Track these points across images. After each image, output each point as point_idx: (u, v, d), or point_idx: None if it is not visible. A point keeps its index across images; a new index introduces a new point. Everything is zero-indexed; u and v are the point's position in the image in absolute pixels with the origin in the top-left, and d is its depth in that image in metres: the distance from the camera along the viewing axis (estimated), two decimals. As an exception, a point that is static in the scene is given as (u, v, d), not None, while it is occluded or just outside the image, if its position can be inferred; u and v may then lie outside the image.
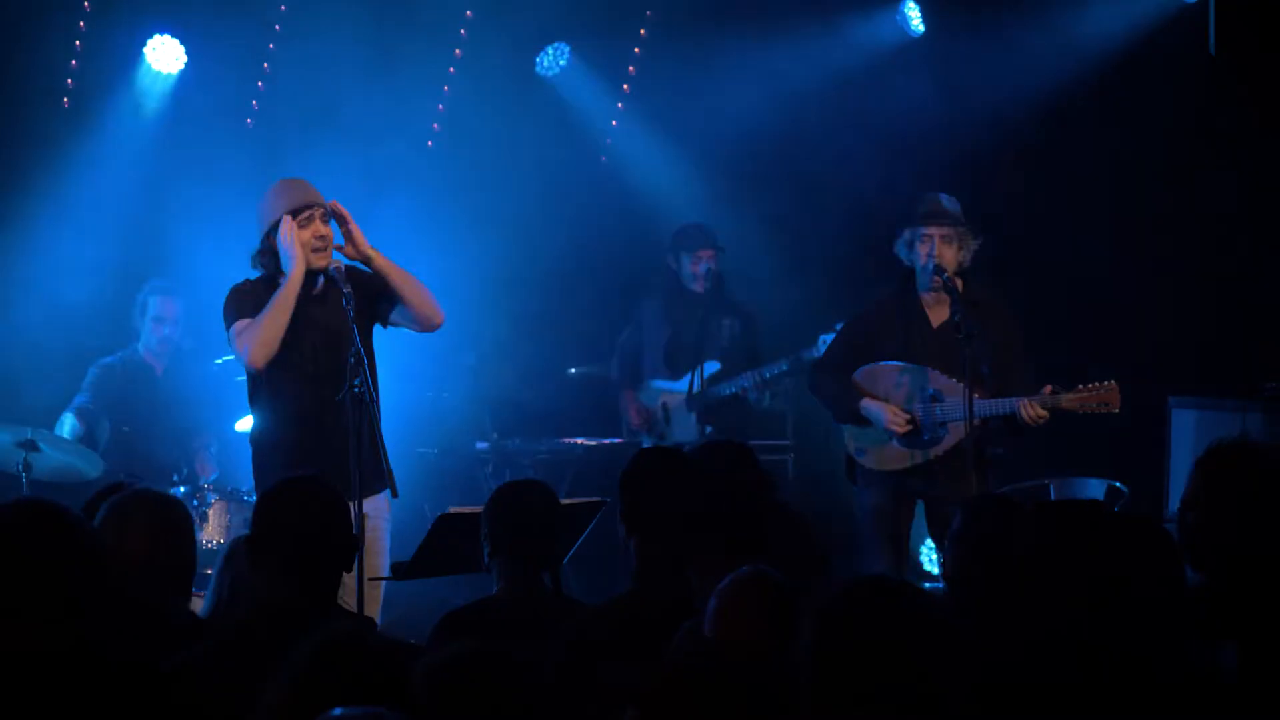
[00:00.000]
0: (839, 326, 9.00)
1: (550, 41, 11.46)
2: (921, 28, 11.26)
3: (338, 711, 2.88)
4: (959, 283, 8.05)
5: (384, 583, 7.09)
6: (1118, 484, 9.63)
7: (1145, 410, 9.94)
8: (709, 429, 9.55)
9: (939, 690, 3.34)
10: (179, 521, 4.89)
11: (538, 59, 11.48)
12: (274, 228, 7.08)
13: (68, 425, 9.21)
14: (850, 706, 3.33)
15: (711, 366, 9.63)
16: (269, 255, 7.13)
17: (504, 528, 5.45)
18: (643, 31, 11.53)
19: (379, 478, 6.97)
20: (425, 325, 7.24)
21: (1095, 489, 9.47)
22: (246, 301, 7.12)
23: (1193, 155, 10.54)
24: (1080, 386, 7.87)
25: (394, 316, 7.21)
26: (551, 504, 5.54)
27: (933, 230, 8.03)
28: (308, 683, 3.26)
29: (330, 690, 3.18)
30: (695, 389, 9.34)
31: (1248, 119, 10.49)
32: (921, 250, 8.04)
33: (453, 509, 6.59)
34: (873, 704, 3.31)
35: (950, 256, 8.03)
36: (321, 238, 7.04)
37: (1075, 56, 10.80)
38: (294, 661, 3.31)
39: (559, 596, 5.47)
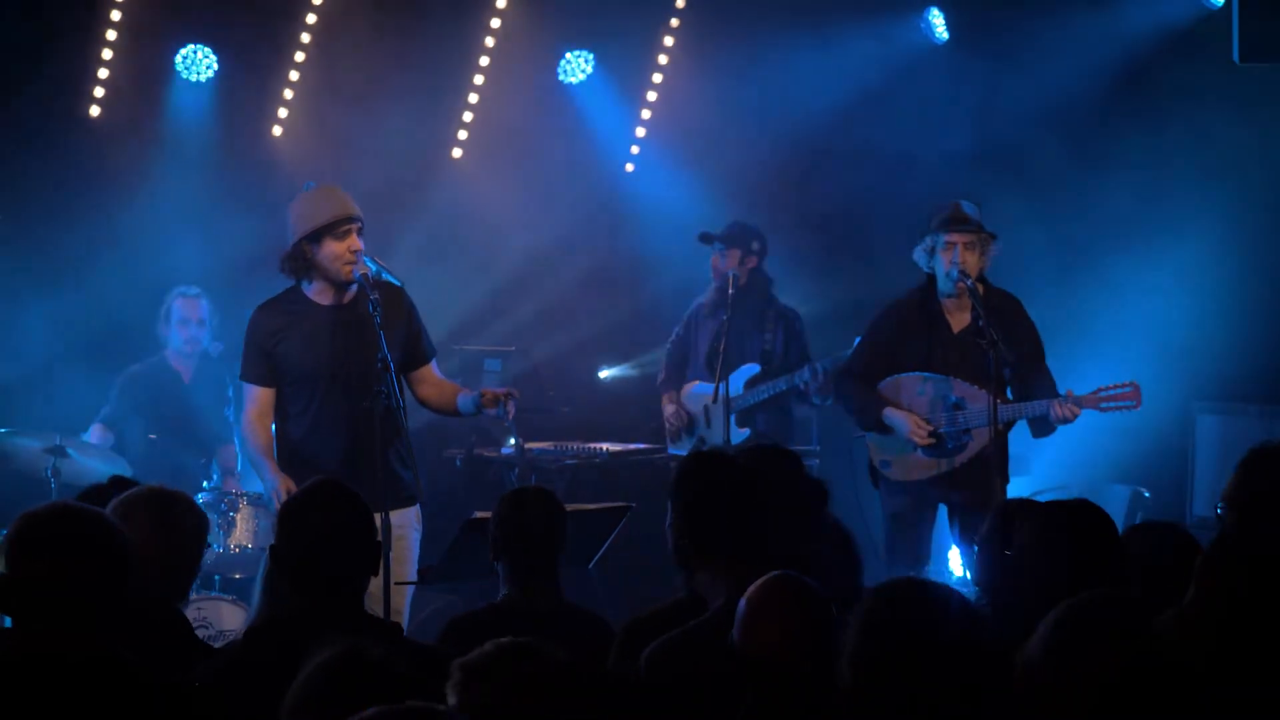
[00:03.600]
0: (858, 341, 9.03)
1: (575, 49, 11.48)
2: (946, 35, 11.27)
3: (372, 711, 2.86)
4: (981, 288, 8.07)
5: (410, 588, 7.13)
6: (1141, 489, 9.66)
7: (1169, 416, 9.96)
8: (747, 432, 9.55)
9: (975, 690, 3.36)
10: (180, 520, 4.89)
11: (560, 66, 11.50)
12: (309, 236, 7.10)
13: (96, 436, 9.26)
14: (889, 709, 3.35)
15: (751, 369, 9.63)
16: (297, 261, 7.17)
17: (506, 535, 5.49)
18: (669, 40, 11.54)
19: (409, 489, 7.01)
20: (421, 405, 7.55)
21: (1119, 494, 9.50)
22: (252, 356, 7.22)
23: (1217, 161, 10.53)
24: (1101, 387, 7.91)
25: (412, 378, 7.37)
26: (554, 512, 5.56)
27: (956, 237, 8.05)
28: (312, 696, 3.25)
29: (335, 703, 3.18)
30: (720, 394, 9.34)
31: (1271, 125, 10.49)
32: (945, 257, 8.06)
33: (479, 514, 6.59)
34: (911, 706, 3.34)
35: (973, 262, 8.06)
36: (355, 251, 7.08)
37: (1099, 63, 10.81)
38: (300, 676, 3.30)
39: (563, 603, 5.49)
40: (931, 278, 8.20)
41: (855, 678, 3.45)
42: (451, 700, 3.27)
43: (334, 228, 7.07)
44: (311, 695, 3.24)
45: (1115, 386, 7.92)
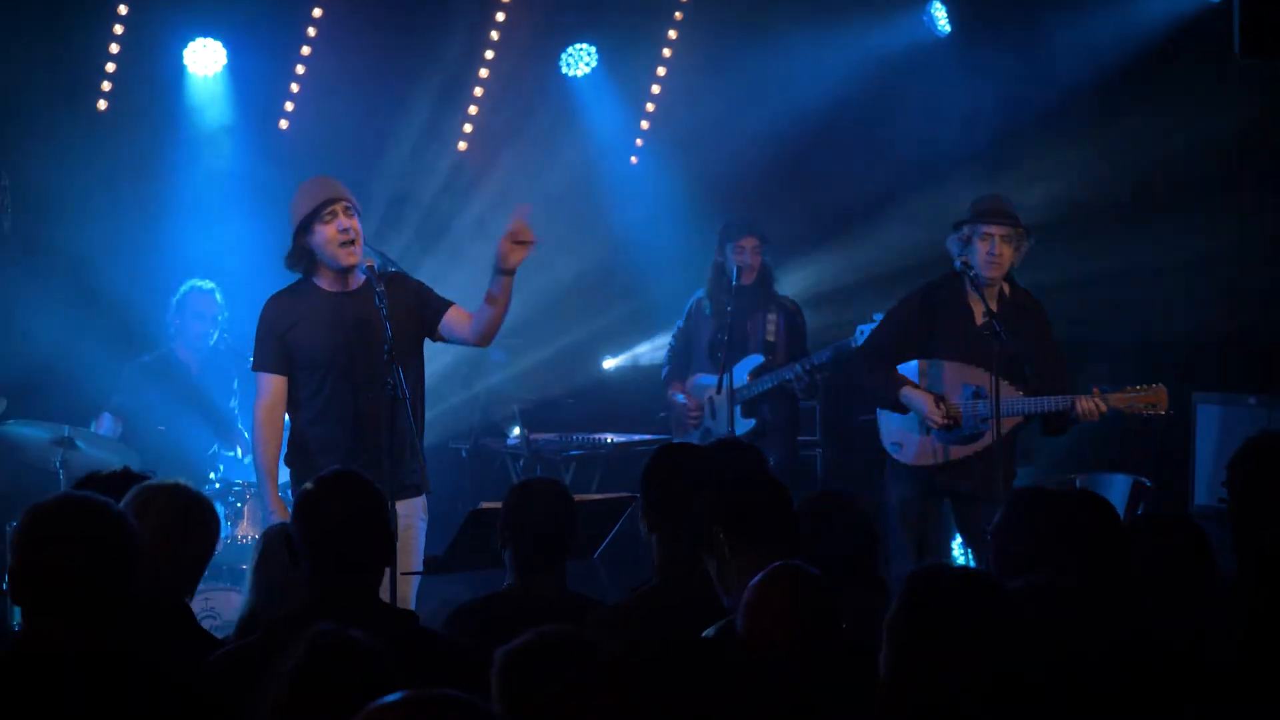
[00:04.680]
0: (877, 317, 9.03)
1: (578, 42, 11.50)
2: (948, 27, 11.28)
3: (395, 697, 2.83)
4: (1005, 287, 8.12)
5: (416, 579, 7.15)
6: (1143, 479, 9.67)
7: (1169, 405, 9.98)
8: (752, 422, 9.58)
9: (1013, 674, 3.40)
10: (197, 518, 4.91)
11: (562, 60, 11.53)
12: (301, 228, 7.14)
13: (105, 426, 9.30)
14: (929, 696, 3.39)
15: (754, 360, 9.65)
16: (299, 255, 7.21)
17: (514, 524, 5.52)
18: (672, 33, 11.57)
19: (415, 480, 7.05)
20: (478, 343, 7.30)
21: (1121, 484, 9.50)
22: (266, 342, 7.23)
23: (1217, 154, 10.55)
24: (1129, 388, 7.95)
25: (444, 330, 7.24)
26: (563, 504, 5.59)
27: (995, 229, 8.06)
28: (300, 684, 3.24)
29: (323, 691, 3.18)
30: (725, 385, 9.37)
31: (1273, 116, 10.51)
32: (981, 247, 8.06)
33: (484, 504, 6.62)
34: (950, 692, 3.38)
35: (1009, 255, 8.08)
36: (345, 230, 7.10)
37: (1101, 55, 10.82)
38: (285, 663, 3.28)
39: (565, 593, 5.53)
40: (956, 266, 8.17)
41: (894, 667, 3.48)
42: (494, 687, 3.29)
43: (319, 213, 7.10)
44: (293, 680, 3.23)
45: (1143, 388, 7.94)
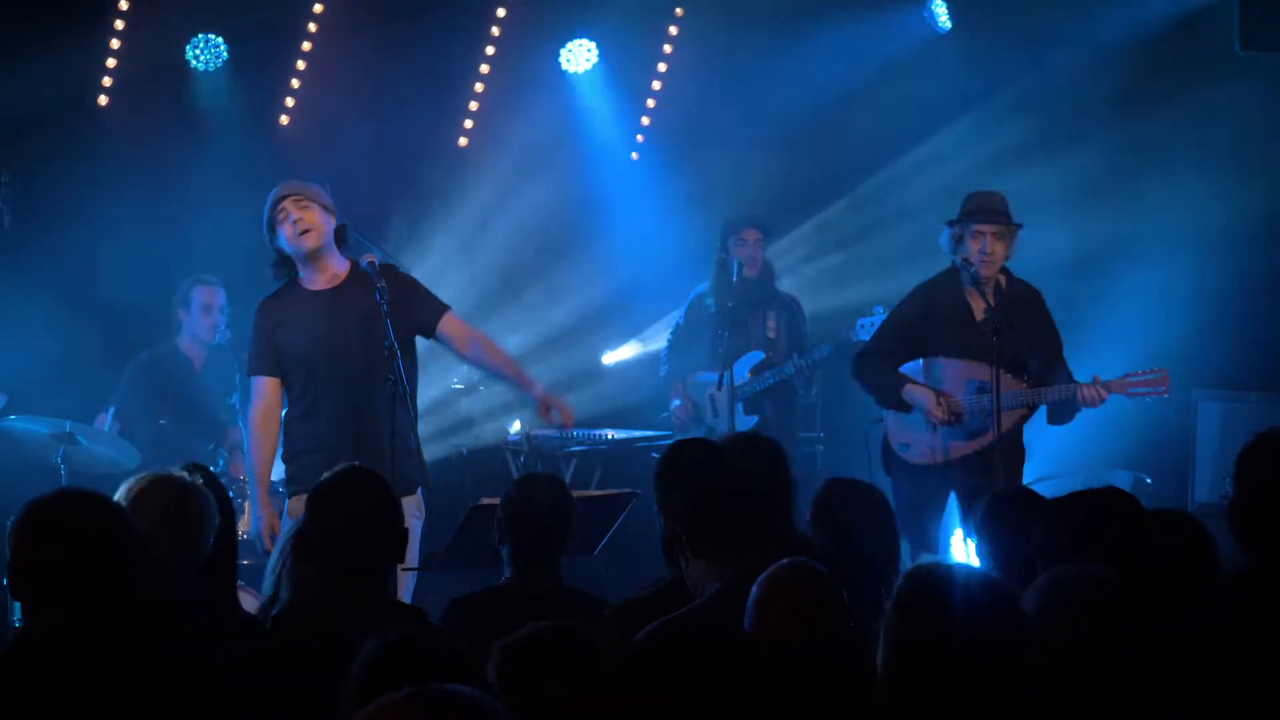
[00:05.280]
0: (877, 309, 9.03)
1: (579, 38, 11.50)
2: (949, 24, 11.28)
3: (399, 693, 2.80)
4: (1002, 279, 8.12)
5: (413, 576, 7.16)
6: (1143, 475, 9.68)
7: (1170, 402, 9.96)
8: (754, 419, 9.58)
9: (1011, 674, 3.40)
10: (193, 508, 4.90)
11: (562, 56, 11.53)
12: (268, 233, 7.24)
13: (107, 423, 9.28)
14: (926, 696, 3.39)
15: (755, 357, 9.65)
16: (281, 261, 7.29)
17: (512, 518, 5.53)
18: (673, 29, 11.57)
19: (412, 475, 7.03)
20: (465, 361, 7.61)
21: (1121, 480, 9.51)
22: (257, 346, 7.26)
23: (1219, 147, 10.55)
24: (1130, 373, 7.96)
25: (440, 336, 7.32)
26: (560, 500, 5.61)
27: (986, 227, 8.07)
28: (374, 684, 3.22)
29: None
30: (725, 382, 9.37)
31: (1275, 110, 10.51)
32: (973, 246, 8.06)
33: (485, 501, 6.63)
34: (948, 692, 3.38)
35: (1001, 252, 8.09)
36: (297, 221, 7.15)
37: (1102, 49, 10.83)
38: (360, 663, 3.29)
39: (562, 588, 5.54)
40: (954, 263, 8.18)
41: (892, 666, 3.48)
42: (492, 680, 3.29)
43: (275, 215, 7.20)
44: (373, 683, 3.22)
45: (1145, 373, 7.95)
